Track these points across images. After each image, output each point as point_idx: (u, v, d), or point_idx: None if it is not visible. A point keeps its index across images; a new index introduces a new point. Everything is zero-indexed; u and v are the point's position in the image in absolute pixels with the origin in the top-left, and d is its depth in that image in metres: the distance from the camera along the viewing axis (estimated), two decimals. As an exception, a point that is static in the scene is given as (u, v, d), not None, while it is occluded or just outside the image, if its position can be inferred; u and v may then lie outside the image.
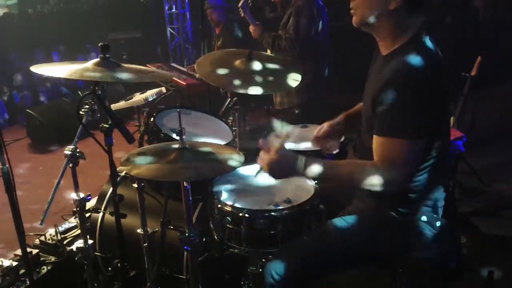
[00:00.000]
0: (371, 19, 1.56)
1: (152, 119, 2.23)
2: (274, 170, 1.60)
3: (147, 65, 5.69)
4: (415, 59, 1.47)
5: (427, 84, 1.45)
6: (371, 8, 1.54)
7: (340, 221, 1.74)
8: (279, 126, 1.76)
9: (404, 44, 1.54)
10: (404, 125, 1.47)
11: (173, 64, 6.32)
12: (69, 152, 1.83)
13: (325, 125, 2.09)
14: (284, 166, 1.60)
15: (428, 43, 1.57)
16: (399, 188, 1.55)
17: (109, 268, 2.28)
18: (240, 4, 3.29)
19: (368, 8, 1.55)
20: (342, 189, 1.98)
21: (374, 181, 1.50)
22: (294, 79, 2.20)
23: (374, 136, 1.54)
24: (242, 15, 3.33)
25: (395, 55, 1.54)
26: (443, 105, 1.54)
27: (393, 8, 1.51)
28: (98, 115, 1.82)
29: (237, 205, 1.81)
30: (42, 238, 2.52)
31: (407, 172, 1.53)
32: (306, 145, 2.34)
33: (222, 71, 2.01)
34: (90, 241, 1.99)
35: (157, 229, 2.00)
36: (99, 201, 2.39)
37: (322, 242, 1.70)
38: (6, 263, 2.30)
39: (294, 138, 2.44)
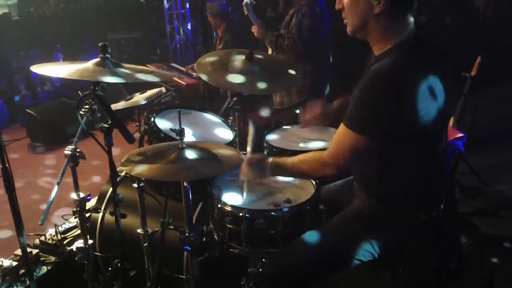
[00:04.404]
0: (361, 25, 1.57)
1: (152, 119, 2.23)
2: (247, 171, 1.81)
3: (147, 65, 5.70)
4: (394, 62, 1.47)
5: (395, 87, 1.44)
6: (357, 14, 1.56)
7: (340, 221, 1.75)
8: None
9: (393, 47, 1.53)
10: (355, 118, 1.51)
11: (173, 64, 6.32)
12: (69, 152, 1.83)
13: (319, 106, 2.12)
14: (256, 168, 1.80)
15: (421, 45, 1.55)
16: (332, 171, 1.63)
17: (109, 268, 2.28)
18: (244, 3, 3.29)
19: (355, 16, 1.56)
20: (342, 189, 1.98)
21: (318, 166, 1.65)
22: (294, 79, 2.20)
23: None
24: (246, 13, 3.33)
25: (383, 57, 1.54)
26: (415, 114, 1.46)
27: (379, 12, 1.51)
28: (98, 115, 1.81)
29: (237, 205, 1.81)
30: (42, 238, 2.52)
31: (341, 162, 1.59)
32: (306, 145, 2.34)
33: (223, 74, 2.01)
34: (90, 241, 1.99)
35: (157, 229, 1.99)
36: (99, 201, 2.39)
37: (322, 243, 1.70)
38: (6, 263, 2.30)
39: (293, 138, 2.45)
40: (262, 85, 1.97)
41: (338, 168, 1.61)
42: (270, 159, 1.78)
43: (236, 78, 1.98)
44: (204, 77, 2.03)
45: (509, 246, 2.90)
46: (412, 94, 1.45)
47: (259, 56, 2.13)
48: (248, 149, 2.02)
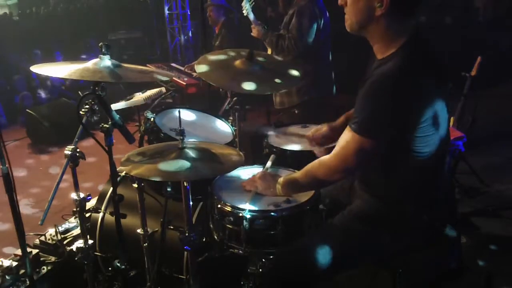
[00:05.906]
0: (360, 26, 1.57)
1: (152, 119, 2.23)
2: (259, 183, 1.87)
3: (147, 65, 5.70)
4: (398, 69, 1.48)
5: (400, 94, 1.45)
6: (357, 15, 1.56)
7: (340, 221, 1.75)
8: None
9: (396, 51, 1.54)
10: (360, 122, 1.51)
11: (173, 64, 6.33)
12: (69, 152, 1.82)
13: (325, 127, 2.10)
14: (267, 182, 1.86)
15: (423, 48, 1.55)
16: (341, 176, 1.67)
17: (109, 268, 2.28)
18: (243, 3, 3.28)
19: (355, 16, 1.56)
20: (342, 189, 1.98)
21: (328, 171, 1.66)
22: (294, 79, 2.20)
23: None
24: (245, 14, 3.32)
25: (387, 60, 1.54)
26: (417, 118, 1.48)
27: (379, 15, 1.51)
28: (98, 115, 1.81)
29: (237, 205, 1.81)
30: (42, 238, 2.51)
31: (350, 166, 1.60)
32: (305, 146, 2.34)
33: (221, 72, 2.01)
34: (90, 241, 1.99)
35: (157, 229, 2.00)
36: (99, 201, 2.39)
37: (322, 243, 1.70)
38: (6, 263, 2.30)
39: (293, 139, 2.45)
40: (262, 85, 1.97)
41: (348, 171, 1.65)
42: (282, 178, 1.84)
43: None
44: (204, 76, 2.03)
45: (509, 247, 2.90)
46: (416, 98, 1.46)
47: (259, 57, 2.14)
48: (268, 164, 2.08)
